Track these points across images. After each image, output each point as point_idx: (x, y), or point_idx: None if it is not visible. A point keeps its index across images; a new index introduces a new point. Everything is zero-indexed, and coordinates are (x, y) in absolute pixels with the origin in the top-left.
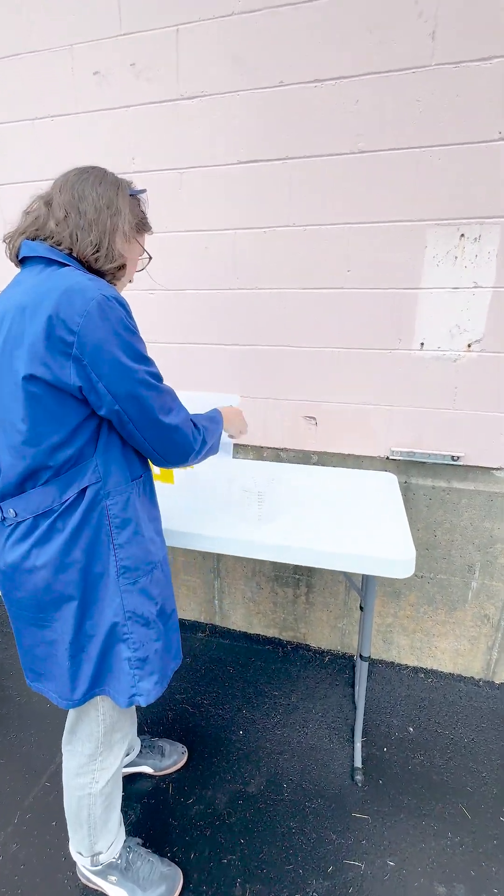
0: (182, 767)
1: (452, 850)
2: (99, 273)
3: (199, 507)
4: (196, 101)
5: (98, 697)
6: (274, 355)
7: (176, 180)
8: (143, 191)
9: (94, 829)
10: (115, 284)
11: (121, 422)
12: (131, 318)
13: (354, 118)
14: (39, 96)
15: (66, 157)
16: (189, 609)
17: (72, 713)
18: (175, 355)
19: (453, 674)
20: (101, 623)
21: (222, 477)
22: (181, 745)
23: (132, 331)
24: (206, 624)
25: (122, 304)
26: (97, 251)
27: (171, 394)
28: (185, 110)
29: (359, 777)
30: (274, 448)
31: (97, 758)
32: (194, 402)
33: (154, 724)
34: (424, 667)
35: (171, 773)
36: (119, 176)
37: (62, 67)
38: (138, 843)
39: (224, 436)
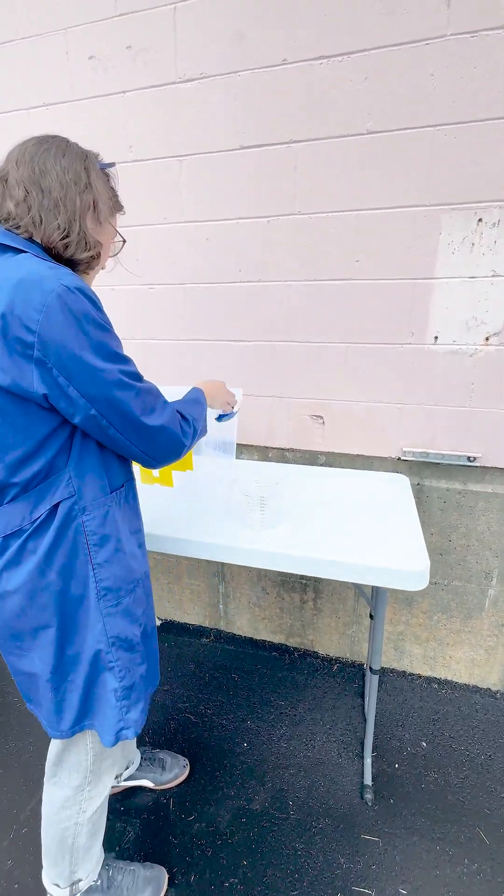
0: (184, 781)
1: (469, 879)
2: (70, 263)
3: (199, 511)
4: (195, 83)
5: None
6: (279, 351)
7: (175, 168)
8: (112, 164)
9: (77, 858)
10: (87, 275)
11: (100, 427)
12: (101, 310)
13: (363, 96)
14: (34, 84)
15: None
16: (193, 613)
17: (56, 742)
18: (176, 352)
19: (469, 685)
20: (84, 650)
21: (224, 480)
22: (183, 757)
23: (102, 326)
24: (211, 629)
25: (88, 295)
26: (66, 236)
27: (152, 391)
28: (183, 93)
29: (369, 795)
30: (279, 448)
31: (85, 788)
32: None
33: (156, 735)
34: (438, 677)
35: (171, 788)
36: (84, 147)
37: (57, 53)
38: (113, 858)
39: (226, 433)
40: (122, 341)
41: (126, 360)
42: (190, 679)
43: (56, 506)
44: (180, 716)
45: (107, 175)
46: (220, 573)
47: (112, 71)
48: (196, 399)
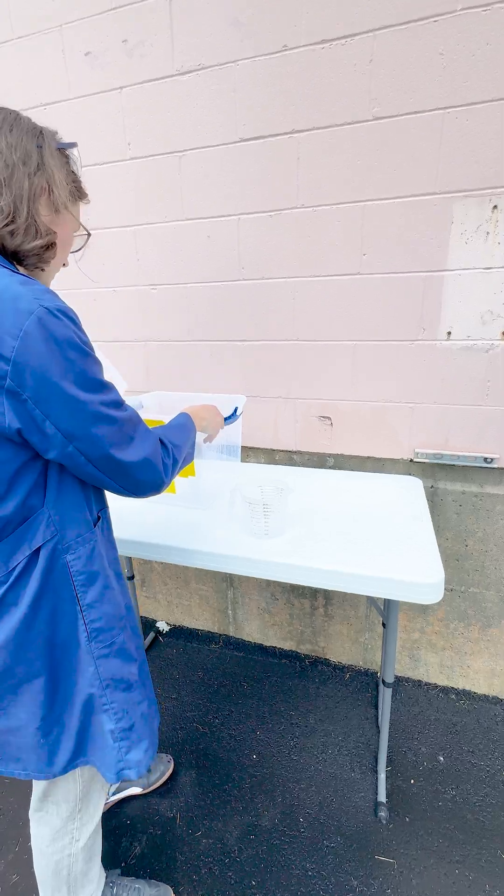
0: (170, 777)
1: None
2: (16, 255)
3: (202, 518)
4: (193, 75)
5: None
6: (284, 350)
7: (174, 164)
8: (74, 144)
9: (75, 886)
10: (43, 272)
11: (76, 464)
12: (83, 332)
13: (368, 80)
14: (31, 84)
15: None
16: (202, 619)
17: None
18: (179, 353)
19: (488, 695)
20: (76, 694)
21: (228, 484)
22: (166, 755)
23: (85, 352)
24: (220, 635)
25: (71, 317)
26: (11, 222)
27: (132, 420)
28: (182, 86)
29: (383, 813)
30: (286, 451)
31: (75, 816)
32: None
33: (163, 745)
34: (456, 687)
35: (159, 787)
36: (40, 124)
37: (53, 51)
38: (119, 875)
39: (230, 437)
40: (125, 345)
41: (107, 387)
42: (198, 687)
43: (37, 550)
44: (188, 725)
45: (66, 156)
46: (228, 578)
47: (109, 67)
48: (182, 424)
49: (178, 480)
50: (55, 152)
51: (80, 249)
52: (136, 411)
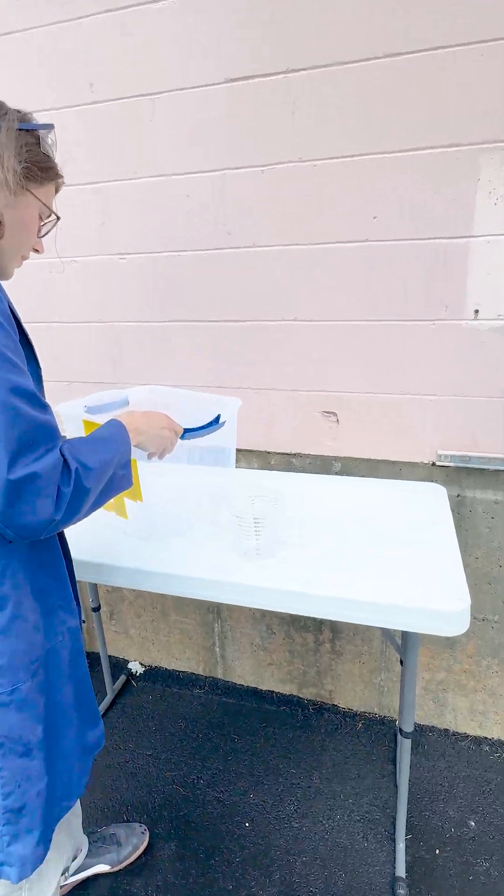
0: (145, 851)
1: None
2: None
3: (179, 536)
4: (169, 1)
5: None
6: (280, 333)
7: (146, 109)
8: (48, 126)
9: None
10: None
11: None
12: None
13: (380, 12)
14: None
15: (16, 88)
16: (183, 658)
17: None
18: (152, 337)
19: None
20: None
21: (212, 495)
22: (139, 824)
23: None
24: (205, 677)
25: None
26: None
27: (41, 426)
28: (154, 16)
29: (402, 892)
30: (283, 453)
31: (24, 886)
32: (187, 404)
33: (138, 812)
34: (489, 737)
35: (133, 862)
36: (9, 105)
37: None
38: None
39: (222, 440)
40: (86, 326)
41: (15, 368)
42: (179, 741)
43: None
44: (167, 787)
45: (35, 138)
46: (215, 609)
47: None
48: (105, 439)
49: (129, 504)
50: (13, 133)
51: (46, 234)
52: (53, 421)
